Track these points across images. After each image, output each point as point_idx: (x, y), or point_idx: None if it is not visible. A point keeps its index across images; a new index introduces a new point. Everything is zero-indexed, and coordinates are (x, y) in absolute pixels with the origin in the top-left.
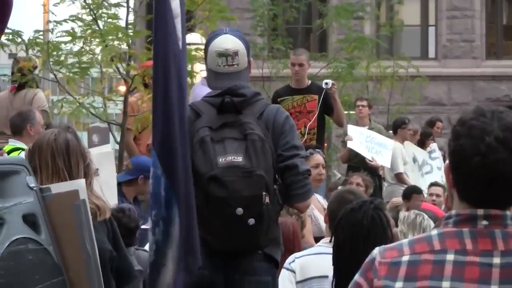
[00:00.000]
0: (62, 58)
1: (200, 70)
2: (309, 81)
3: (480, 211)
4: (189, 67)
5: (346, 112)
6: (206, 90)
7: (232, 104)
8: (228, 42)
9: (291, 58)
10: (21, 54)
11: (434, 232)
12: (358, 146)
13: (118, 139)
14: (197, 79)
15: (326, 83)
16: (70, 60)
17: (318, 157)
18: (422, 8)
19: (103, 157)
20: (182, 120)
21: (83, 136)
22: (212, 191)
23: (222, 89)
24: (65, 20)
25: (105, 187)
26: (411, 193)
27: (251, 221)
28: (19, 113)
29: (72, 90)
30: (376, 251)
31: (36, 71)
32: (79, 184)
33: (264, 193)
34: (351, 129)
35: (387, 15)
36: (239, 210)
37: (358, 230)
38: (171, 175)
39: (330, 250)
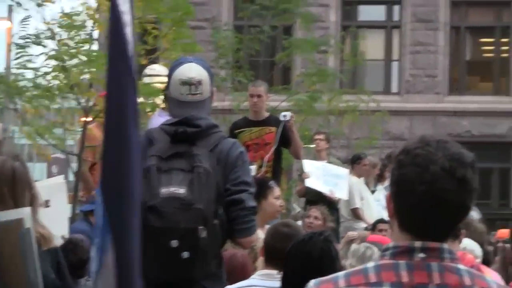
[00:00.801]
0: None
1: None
2: (268, 113)
3: (418, 243)
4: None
5: (305, 145)
6: (162, 121)
7: (185, 135)
8: (192, 70)
9: (249, 89)
10: None
11: (371, 264)
12: (315, 182)
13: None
14: None
15: (284, 116)
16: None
17: (278, 189)
18: (386, 42)
19: (54, 188)
20: (126, 146)
21: (43, 167)
22: (149, 221)
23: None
24: (27, 46)
25: (57, 218)
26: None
27: (185, 254)
28: None
29: (32, 121)
30: (311, 283)
31: None
32: (24, 212)
33: (201, 227)
34: (308, 165)
35: (351, 49)
36: (174, 242)
37: (308, 262)
38: (108, 203)
39: (263, 282)
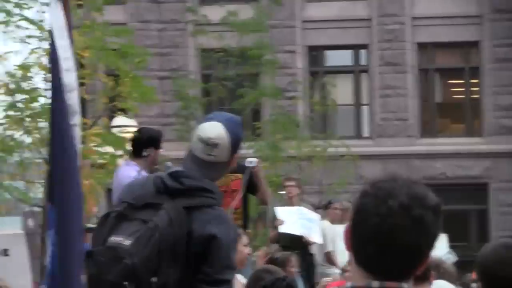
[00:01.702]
0: None
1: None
2: None
3: (376, 284)
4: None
5: (275, 192)
6: (131, 170)
7: (165, 188)
8: (213, 131)
9: None
10: None
11: None
12: (290, 227)
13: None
14: None
15: (250, 162)
16: None
17: (246, 236)
18: (355, 87)
19: (13, 238)
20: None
21: (17, 220)
22: (87, 267)
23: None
24: None
25: (17, 267)
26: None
27: None
28: None
29: None
30: None
31: None
32: None
33: (126, 282)
34: (280, 211)
35: (321, 95)
36: None
37: None
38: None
39: None
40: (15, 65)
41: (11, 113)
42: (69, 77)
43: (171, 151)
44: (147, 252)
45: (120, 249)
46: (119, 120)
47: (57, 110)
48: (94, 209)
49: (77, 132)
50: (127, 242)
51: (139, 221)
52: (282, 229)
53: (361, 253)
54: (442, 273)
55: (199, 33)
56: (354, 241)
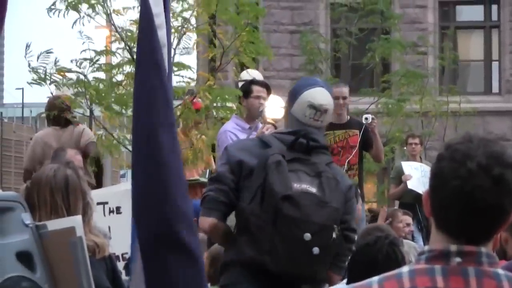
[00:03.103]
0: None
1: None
2: (348, 116)
3: (453, 247)
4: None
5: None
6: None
7: (305, 146)
8: (324, 98)
9: (334, 91)
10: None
11: (405, 269)
12: (416, 184)
13: None
14: None
15: (366, 118)
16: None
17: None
18: (485, 42)
19: (125, 195)
20: (159, 154)
21: (128, 173)
22: (285, 210)
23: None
24: (101, 53)
25: (129, 225)
26: None
27: (316, 250)
28: (53, 154)
29: (110, 127)
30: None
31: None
32: (76, 220)
33: (335, 225)
34: (406, 167)
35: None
36: (307, 236)
37: (373, 266)
38: (136, 212)
39: None
40: (131, 20)
41: (127, 69)
42: (160, 33)
43: None
44: (340, 200)
45: (318, 195)
46: (245, 74)
47: (147, 67)
48: (211, 162)
49: (169, 88)
50: (314, 190)
51: (302, 172)
52: (410, 185)
53: (441, 217)
54: None
55: None
56: (434, 205)
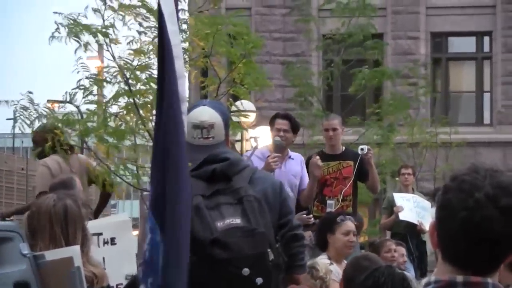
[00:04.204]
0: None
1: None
2: (343, 147)
3: (460, 278)
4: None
5: (391, 178)
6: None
7: (221, 172)
8: (204, 114)
9: (324, 124)
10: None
11: None
12: (408, 214)
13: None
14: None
15: (362, 149)
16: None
17: (349, 224)
18: (477, 74)
19: (120, 226)
20: (181, 180)
21: (134, 205)
22: (216, 254)
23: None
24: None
25: (124, 256)
26: None
27: (259, 280)
28: (61, 181)
29: (107, 159)
30: None
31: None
32: (74, 250)
33: (268, 250)
34: (398, 198)
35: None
36: (245, 271)
37: None
38: (169, 239)
39: None
40: (130, 49)
41: (125, 100)
42: (178, 64)
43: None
44: (266, 221)
45: (243, 227)
46: (238, 104)
47: (167, 97)
48: None
49: (185, 120)
50: (238, 221)
51: (225, 205)
52: (402, 216)
53: (449, 248)
54: None
55: (312, 19)
56: (442, 236)
